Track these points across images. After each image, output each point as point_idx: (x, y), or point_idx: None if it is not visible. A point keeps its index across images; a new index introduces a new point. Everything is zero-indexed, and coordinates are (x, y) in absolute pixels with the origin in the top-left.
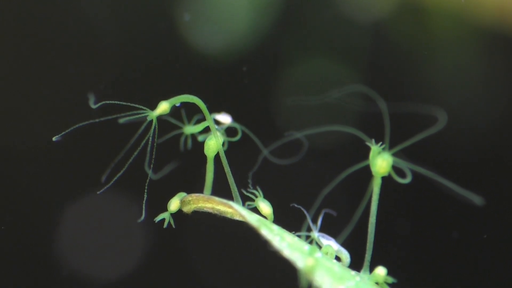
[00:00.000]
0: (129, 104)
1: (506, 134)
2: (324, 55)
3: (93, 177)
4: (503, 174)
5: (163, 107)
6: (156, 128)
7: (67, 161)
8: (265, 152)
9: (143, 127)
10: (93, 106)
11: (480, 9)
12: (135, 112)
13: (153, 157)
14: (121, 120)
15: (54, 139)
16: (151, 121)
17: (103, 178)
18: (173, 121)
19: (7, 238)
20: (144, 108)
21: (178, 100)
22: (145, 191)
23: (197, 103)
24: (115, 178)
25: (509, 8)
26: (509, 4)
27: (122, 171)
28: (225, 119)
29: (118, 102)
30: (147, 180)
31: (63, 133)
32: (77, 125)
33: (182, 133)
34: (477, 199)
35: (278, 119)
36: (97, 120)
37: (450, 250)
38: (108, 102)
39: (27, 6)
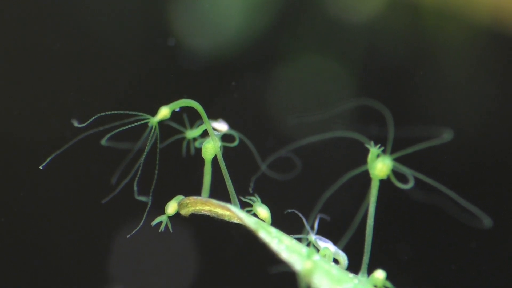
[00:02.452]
0: (127, 112)
1: (505, 135)
2: (320, 56)
3: (96, 187)
4: (502, 178)
5: (164, 112)
6: (158, 134)
7: (68, 172)
8: (263, 167)
9: (146, 133)
10: (78, 125)
11: (475, 8)
12: (135, 119)
13: (157, 163)
14: (104, 141)
15: (40, 167)
16: (150, 125)
17: (113, 180)
18: (174, 125)
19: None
20: (142, 114)
21: (177, 105)
22: (150, 197)
23: (195, 107)
24: (120, 186)
25: (506, 7)
26: (505, 3)
27: (126, 179)
28: (221, 126)
29: (116, 112)
30: (151, 187)
31: (49, 159)
32: (74, 140)
33: (182, 138)
34: (486, 221)
35: (274, 120)
36: (100, 128)
37: (449, 252)
38: (104, 114)
39: (25, 10)
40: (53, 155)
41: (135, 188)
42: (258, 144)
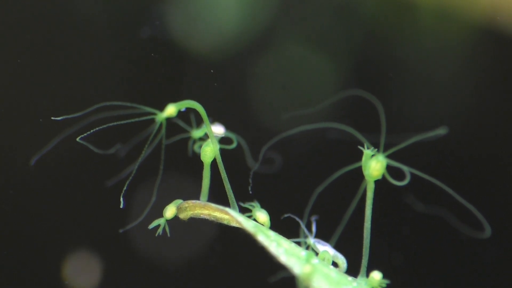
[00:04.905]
0: (134, 105)
1: (498, 131)
2: (313, 51)
3: (98, 180)
4: (496, 173)
5: (170, 110)
6: (164, 130)
7: (72, 166)
8: (255, 166)
9: (156, 128)
10: (57, 119)
11: (472, 7)
12: (141, 113)
13: (162, 158)
14: (78, 139)
15: (31, 163)
16: (153, 122)
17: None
18: (181, 124)
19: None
20: (149, 109)
21: (183, 105)
22: (154, 193)
23: (197, 109)
24: (127, 180)
25: (502, 5)
26: (503, 3)
27: (132, 172)
28: (218, 129)
29: (122, 103)
30: (156, 183)
31: (38, 156)
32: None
33: (178, 137)
34: (487, 230)
35: (269, 116)
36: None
37: (449, 253)
38: (114, 103)
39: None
40: (37, 156)
41: (125, 187)
42: (248, 140)
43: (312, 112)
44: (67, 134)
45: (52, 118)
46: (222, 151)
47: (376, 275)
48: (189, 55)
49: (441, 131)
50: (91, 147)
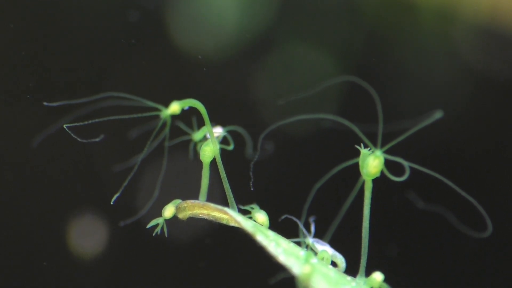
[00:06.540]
0: (140, 99)
1: (497, 131)
2: (316, 52)
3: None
4: (496, 172)
5: (174, 107)
6: (168, 128)
7: (72, 158)
8: (254, 157)
9: (159, 125)
10: (49, 104)
11: (471, 5)
12: (145, 107)
13: (166, 156)
14: (69, 128)
15: (33, 145)
16: (153, 118)
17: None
18: (182, 126)
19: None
20: (155, 105)
21: (186, 103)
22: (156, 189)
23: (198, 108)
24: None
25: (502, 5)
26: (503, 3)
27: (136, 166)
28: (217, 131)
29: (129, 97)
30: (158, 179)
31: (41, 137)
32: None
33: (184, 139)
34: (489, 228)
35: (268, 114)
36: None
37: (448, 252)
38: (117, 95)
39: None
40: (41, 138)
41: (125, 183)
42: (253, 138)
43: (308, 105)
44: (70, 120)
45: (45, 103)
46: (221, 151)
47: (378, 276)
48: (188, 54)
49: (437, 115)
50: (74, 135)
